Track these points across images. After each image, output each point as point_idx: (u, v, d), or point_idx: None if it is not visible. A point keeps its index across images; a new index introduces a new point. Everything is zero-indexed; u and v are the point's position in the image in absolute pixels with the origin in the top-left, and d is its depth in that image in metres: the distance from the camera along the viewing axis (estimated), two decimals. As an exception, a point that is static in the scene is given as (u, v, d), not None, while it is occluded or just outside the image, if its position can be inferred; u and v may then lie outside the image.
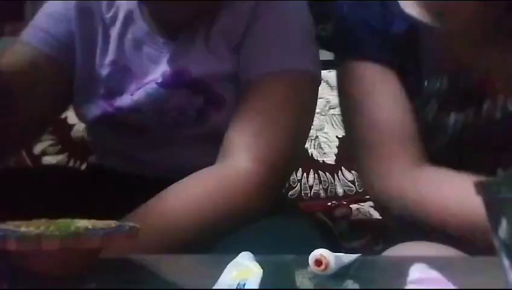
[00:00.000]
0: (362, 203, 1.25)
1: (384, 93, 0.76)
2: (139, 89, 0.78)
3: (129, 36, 0.79)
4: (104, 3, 0.80)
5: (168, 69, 0.76)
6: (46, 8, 0.83)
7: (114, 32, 0.79)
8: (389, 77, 0.76)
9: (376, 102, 0.76)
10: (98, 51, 0.80)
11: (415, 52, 0.75)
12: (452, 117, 0.73)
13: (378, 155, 0.74)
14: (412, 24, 0.76)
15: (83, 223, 0.45)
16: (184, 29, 0.77)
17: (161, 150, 0.81)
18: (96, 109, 0.81)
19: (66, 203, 0.59)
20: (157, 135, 0.80)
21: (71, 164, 1.29)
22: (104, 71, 0.80)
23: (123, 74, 0.79)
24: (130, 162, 0.84)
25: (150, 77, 0.78)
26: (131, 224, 0.46)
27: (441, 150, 0.74)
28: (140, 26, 0.78)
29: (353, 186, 1.29)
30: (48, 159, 1.29)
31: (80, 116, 0.87)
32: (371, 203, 1.28)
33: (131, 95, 0.78)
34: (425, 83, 0.74)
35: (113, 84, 0.80)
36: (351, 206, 1.21)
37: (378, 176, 0.74)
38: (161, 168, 0.80)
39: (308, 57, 0.77)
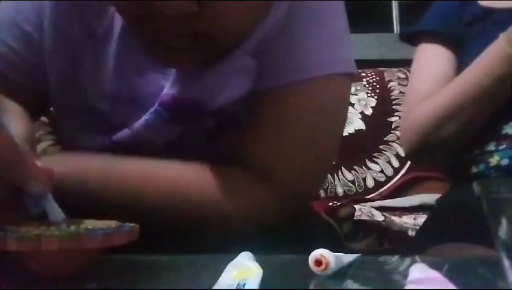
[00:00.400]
0: (363, 204, 1.25)
1: (432, 67, 0.99)
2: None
3: (130, 59, 0.64)
4: (92, 12, 0.64)
5: (172, 96, 0.62)
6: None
7: (110, 53, 0.64)
8: (448, 50, 0.99)
9: (424, 72, 0.99)
10: (88, 78, 0.66)
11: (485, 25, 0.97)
12: None
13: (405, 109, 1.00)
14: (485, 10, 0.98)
15: (83, 223, 0.45)
16: None
17: None
18: (88, 141, 0.69)
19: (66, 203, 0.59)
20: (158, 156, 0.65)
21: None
22: (102, 105, 0.66)
23: (127, 107, 0.65)
24: None
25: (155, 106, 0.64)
26: (131, 224, 0.46)
27: None
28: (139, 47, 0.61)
29: (353, 186, 1.29)
30: (48, 159, 1.29)
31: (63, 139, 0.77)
32: (372, 203, 1.28)
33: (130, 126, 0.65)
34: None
35: (116, 120, 0.66)
36: (354, 206, 1.21)
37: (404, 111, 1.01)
38: None
39: (347, 53, 0.65)
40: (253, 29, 0.59)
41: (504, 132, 0.89)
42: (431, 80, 0.97)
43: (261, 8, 0.56)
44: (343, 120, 0.69)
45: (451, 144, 0.92)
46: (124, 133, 0.66)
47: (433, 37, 1.02)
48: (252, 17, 0.55)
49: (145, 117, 0.63)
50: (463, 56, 0.98)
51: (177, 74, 0.62)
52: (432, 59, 1.00)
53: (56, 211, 0.46)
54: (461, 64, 0.97)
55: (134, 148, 0.65)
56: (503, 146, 0.88)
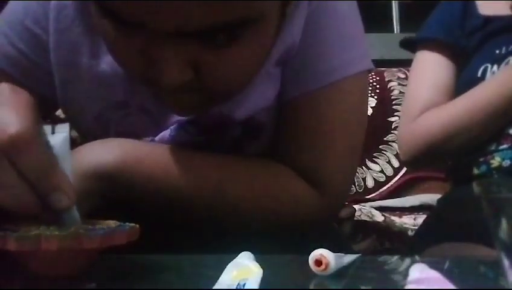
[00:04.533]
0: (363, 204, 1.25)
1: (431, 75, 0.99)
2: (160, 132, 0.65)
3: None
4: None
5: (199, 112, 0.61)
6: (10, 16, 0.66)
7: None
8: (448, 59, 0.99)
9: (421, 80, 1.00)
10: (95, 85, 0.64)
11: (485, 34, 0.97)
12: None
13: (403, 118, 1.01)
14: (486, 19, 0.97)
15: (82, 223, 0.45)
16: None
17: None
18: None
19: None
20: None
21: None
22: (109, 114, 0.65)
23: (139, 118, 0.65)
24: None
25: (175, 118, 0.64)
26: (131, 224, 0.46)
27: None
28: None
29: (353, 186, 1.29)
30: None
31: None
32: (372, 203, 1.28)
33: (152, 140, 0.65)
34: (498, 51, 0.93)
35: (126, 129, 0.65)
36: (354, 206, 1.21)
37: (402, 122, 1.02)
38: None
39: (365, 50, 0.66)
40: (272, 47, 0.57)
41: (505, 131, 0.89)
42: (432, 89, 0.97)
43: (258, 59, 0.54)
44: (366, 116, 0.71)
45: (456, 154, 0.95)
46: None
47: (434, 45, 1.02)
48: (250, 69, 0.54)
49: (171, 133, 0.64)
50: (463, 66, 0.98)
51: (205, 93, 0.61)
52: (433, 67, 1.00)
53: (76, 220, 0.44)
54: (462, 74, 0.98)
55: None
56: (505, 146, 0.88)
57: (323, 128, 0.63)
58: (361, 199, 1.30)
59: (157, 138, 0.65)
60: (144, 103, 0.64)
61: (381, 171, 1.39)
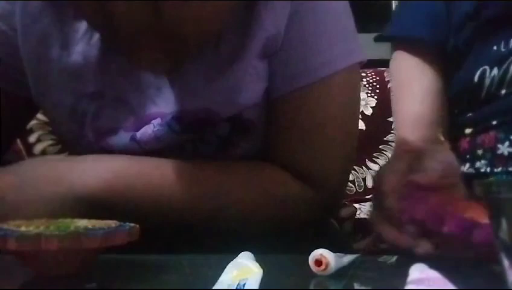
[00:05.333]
0: (363, 203, 1.25)
1: (416, 84, 0.85)
2: (140, 125, 0.63)
3: (115, 59, 0.61)
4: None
5: (181, 106, 0.61)
6: None
7: (92, 52, 0.61)
8: (433, 62, 0.84)
9: (405, 91, 0.86)
10: (67, 78, 0.62)
11: (481, 25, 0.78)
12: None
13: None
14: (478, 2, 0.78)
15: (82, 222, 0.45)
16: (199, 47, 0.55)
17: None
18: (85, 147, 0.65)
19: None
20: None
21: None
22: (86, 105, 0.63)
23: (115, 109, 0.62)
24: None
25: (153, 109, 0.62)
26: (131, 224, 0.46)
27: None
28: None
29: (353, 186, 1.29)
30: (48, 159, 1.29)
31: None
32: (371, 203, 1.28)
33: (132, 136, 0.63)
34: (495, 47, 0.77)
35: (101, 121, 0.63)
36: (354, 205, 1.20)
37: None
38: None
39: (357, 44, 0.64)
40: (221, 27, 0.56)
41: (499, 152, 0.77)
42: (419, 99, 0.85)
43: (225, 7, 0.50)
44: (359, 110, 0.70)
45: None
46: (131, 144, 0.63)
47: (413, 45, 0.86)
48: (218, 9, 0.49)
49: (154, 129, 0.62)
50: (456, 65, 0.83)
51: (184, 84, 0.61)
52: (416, 75, 0.85)
53: None
54: (456, 77, 0.83)
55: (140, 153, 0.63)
56: (499, 169, 0.77)
57: (315, 126, 0.62)
58: (361, 198, 1.30)
59: (138, 133, 0.63)
60: (120, 93, 0.62)
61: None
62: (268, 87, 0.62)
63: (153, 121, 0.62)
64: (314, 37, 0.60)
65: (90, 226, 0.44)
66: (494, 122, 0.77)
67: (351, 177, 1.28)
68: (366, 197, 1.25)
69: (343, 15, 0.64)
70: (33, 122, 1.27)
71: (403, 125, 0.87)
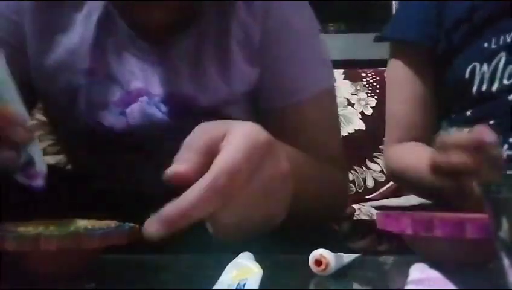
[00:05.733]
0: (363, 203, 1.24)
1: (407, 88, 0.87)
2: (126, 102, 0.68)
3: (108, 40, 0.68)
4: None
5: (164, 87, 0.67)
6: None
7: (88, 32, 0.68)
8: (424, 65, 0.85)
9: (397, 94, 0.88)
10: (65, 56, 0.68)
11: (473, 27, 0.80)
12: None
13: (386, 131, 0.90)
14: (473, 4, 0.80)
15: (82, 223, 0.45)
16: (180, 31, 0.67)
17: (160, 169, 0.68)
18: (75, 123, 0.70)
19: (66, 203, 0.59)
20: (155, 155, 0.66)
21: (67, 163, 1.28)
22: (80, 81, 0.69)
23: (105, 85, 0.69)
24: (125, 181, 0.74)
25: (140, 85, 0.68)
26: (131, 224, 0.46)
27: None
28: (121, 27, 0.67)
29: (353, 186, 1.29)
30: (47, 159, 1.29)
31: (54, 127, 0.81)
32: (372, 203, 1.28)
33: (121, 111, 0.68)
34: (486, 44, 0.79)
35: (93, 96, 0.69)
36: (353, 205, 1.20)
37: (384, 144, 0.91)
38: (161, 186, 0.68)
39: (330, 69, 0.74)
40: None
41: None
42: (410, 105, 0.86)
43: None
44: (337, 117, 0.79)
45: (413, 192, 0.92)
46: (116, 118, 0.68)
47: (405, 48, 0.88)
48: None
49: (143, 106, 0.68)
50: (447, 65, 0.84)
51: (172, 70, 0.67)
52: (407, 78, 0.87)
53: (41, 160, 0.45)
54: (447, 75, 0.84)
55: (128, 137, 0.68)
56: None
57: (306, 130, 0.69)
58: (361, 198, 1.30)
59: (128, 110, 0.68)
60: (110, 70, 0.68)
61: (381, 171, 1.39)
62: (257, 102, 0.70)
63: (139, 99, 0.68)
64: (291, 65, 0.70)
65: (89, 227, 0.44)
66: (492, 122, 0.77)
67: (351, 177, 1.28)
68: (366, 197, 1.25)
69: (317, 42, 0.73)
70: (33, 123, 1.27)
71: (394, 126, 0.88)
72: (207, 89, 0.67)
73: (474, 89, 0.79)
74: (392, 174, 0.91)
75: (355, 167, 1.29)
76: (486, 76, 0.78)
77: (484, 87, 0.78)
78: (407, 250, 0.49)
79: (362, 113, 1.44)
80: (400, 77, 0.88)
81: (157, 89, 0.68)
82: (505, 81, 0.77)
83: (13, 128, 0.43)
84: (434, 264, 0.43)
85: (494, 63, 0.78)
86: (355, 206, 1.20)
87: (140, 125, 0.68)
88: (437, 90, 0.87)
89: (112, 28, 0.68)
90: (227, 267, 0.39)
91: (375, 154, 1.41)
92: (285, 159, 0.45)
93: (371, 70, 1.53)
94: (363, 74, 1.51)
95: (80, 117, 0.70)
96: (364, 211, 1.20)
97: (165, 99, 0.68)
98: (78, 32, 0.68)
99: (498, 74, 0.77)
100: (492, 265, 0.44)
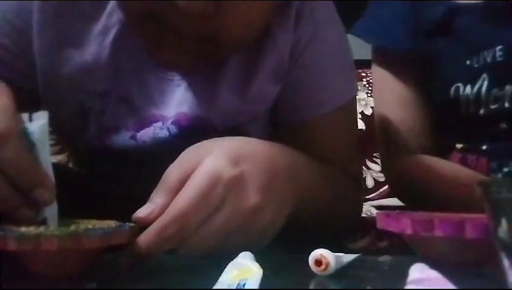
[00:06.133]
0: (363, 203, 1.24)
1: (395, 91, 0.81)
2: (139, 127, 0.65)
3: (126, 59, 0.64)
4: (90, 6, 0.63)
5: (182, 112, 0.64)
6: None
7: (104, 51, 0.63)
8: (406, 71, 0.80)
9: (386, 99, 0.82)
10: (77, 74, 0.64)
11: (451, 34, 0.75)
12: (508, 89, 0.71)
13: (384, 144, 0.83)
14: (449, 7, 0.74)
15: (83, 223, 0.45)
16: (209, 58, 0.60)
17: None
18: (83, 143, 0.68)
19: (67, 204, 0.59)
20: (160, 168, 0.62)
21: (71, 164, 1.28)
22: (92, 103, 0.65)
23: (119, 109, 0.65)
24: (128, 190, 0.70)
25: (155, 111, 0.65)
26: (131, 224, 0.46)
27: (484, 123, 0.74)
28: (138, 46, 0.62)
29: (353, 186, 1.29)
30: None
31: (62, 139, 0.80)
32: (371, 202, 1.28)
33: (133, 135, 0.65)
34: (468, 61, 0.73)
35: (105, 120, 0.66)
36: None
37: (385, 159, 0.84)
38: None
39: (355, 79, 0.73)
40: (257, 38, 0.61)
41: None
42: (391, 107, 0.82)
43: (268, 12, 0.57)
44: (357, 126, 0.82)
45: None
46: (125, 139, 0.66)
47: (380, 53, 0.83)
48: (260, 20, 0.57)
49: (155, 131, 0.65)
50: (429, 76, 0.79)
51: (189, 91, 0.64)
52: (387, 82, 0.82)
53: (55, 222, 0.45)
54: (433, 91, 0.79)
55: (139, 159, 0.66)
56: None
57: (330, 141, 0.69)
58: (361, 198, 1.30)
59: (139, 134, 0.65)
60: (125, 93, 0.65)
61: (381, 171, 1.39)
62: (275, 114, 0.69)
63: (154, 124, 0.65)
64: (319, 76, 0.67)
65: (90, 227, 0.44)
66: (484, 148, 0.74)
67: (351, 177, 1.28)
68: (366, 197, 1.25)
69: (345, 52, 0.70)
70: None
71: (379, 130, 0.84)
72: (223, 111, 0.65)
73: (462, 110, 0.75)
74: (413, 186, 0.80)
75: (355, 167, 1.29)
76: (471, 98, 0.73)
77: (471, 110, 0.74)
78: (407, 248, 0.49)
79: (362, 113, 1.44)
80: (380, 83, 0.84)
81: (172, 111, 0.65)
82: (491, 106, 0.72)
83: (40, 189, 0.44)
84: (434, 264, 0.43)
85: (477, 86, 0.72)
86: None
87: (149, 146, 0.66)
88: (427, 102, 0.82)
89: (129, 47, 0.63)
90: (227, 267, 0.39)
91: (375, 154, 1.41)
92: (258, 190, 0.47)
93: (371, 71, 1.52)
94: (363, 74, 1.51)
95: (88, 139, 0.67)
96: (364, 210, 1.20)
97: (179, 121, 0.65)
98: (92, 53, 0.64)
99: (483, 98, 0.72)
100: (492, 265, 0.44)
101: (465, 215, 0.46)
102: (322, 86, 0.67)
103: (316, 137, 0.68)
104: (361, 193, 0.81)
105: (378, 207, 1.26)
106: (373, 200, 1.33)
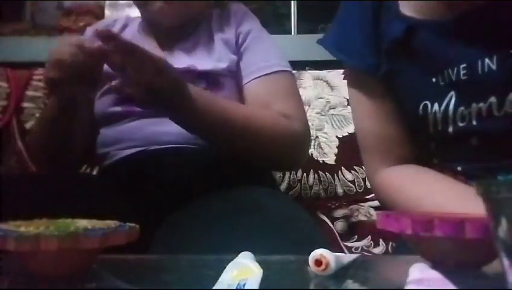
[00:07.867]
0: (362, 204, 1.25)
1: (368, 103, 0.80)
2: None
3: (144, 43, 0.90)
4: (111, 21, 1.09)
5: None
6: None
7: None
8: (376, 85, 0.79)
9: (361, 112, 0.82)
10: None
11: (413, 51, 0.73)
12: (474, 107, 0.69)
13: (365, 157, 0.83)
14: (410, 24, 0.73)
15: (82, 223, 0.45)
16: (185, 38, 1.01)
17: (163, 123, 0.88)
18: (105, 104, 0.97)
19: (70, 206, 0.59)
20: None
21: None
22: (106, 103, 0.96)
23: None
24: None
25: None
26: (131, 224, 0.46)
27: (452, 140, 0.72)
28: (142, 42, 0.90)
29: (353, 186, 1.29)
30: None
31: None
32: (370, 203, 1.28)
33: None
34: (434, 79, 0.72)
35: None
36: (351, 207, 1.21)
37: (367, 173, 0.84)
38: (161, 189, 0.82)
39: (285, 60, 1.02)
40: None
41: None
42: (365, 121, 0.81)
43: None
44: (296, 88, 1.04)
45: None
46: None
47: (353, 70, 0.82)
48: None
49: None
50: (397, 93, 0.78)
51: (175, 55, 0.99)
52: (359, 96, 0.81)
53: None
54: (404, 107, 0.78)
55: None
56: None
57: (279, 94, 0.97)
58: (361, 198, 1.30)
59: None
60: None
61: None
62: (240, 79, 0.99)
63: None
64: (258, 53, 1.01)
65: (89, 227, 0.44)
66: (459, 169, 0.73)
67: (350, 177, 1.28)
68: (366, 197, 1.25)
69: (270, 39, 1.05)
70: (33, 123, 1.27)
71: (360, 143, 0.83)
72: (201, 60, 0.97)
73: (431, 128, 0.74)
74: (390, 201, 0.78)
75: (355, 167, 1.29)
76: (439, 116, 0.72)
77: (440, 128, 0.72)
78: (405, 252, 0.49)
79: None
80: (353, 96, 0.83)
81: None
82: (460, 124, 0.70)
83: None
84: (434, 264, 0.43)
85: (444, 103, 0.71)
86: (354, 207, 1.21)
87: None
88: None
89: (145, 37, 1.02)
90: (228, 267, 0.39)
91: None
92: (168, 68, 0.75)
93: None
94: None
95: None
96: (363, 211, 1.20)
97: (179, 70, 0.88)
98: None
99: (450, 116, 0.71)
100: (492, 265, 0.44)
101: (465, 216, 0.46)
102: (259, 59, 0.99)
103: (261, 94, 0.96)
104: (309, 138, 1.00)
105: (377, 208, 1.26)
106: (373, 200, 1.33)
